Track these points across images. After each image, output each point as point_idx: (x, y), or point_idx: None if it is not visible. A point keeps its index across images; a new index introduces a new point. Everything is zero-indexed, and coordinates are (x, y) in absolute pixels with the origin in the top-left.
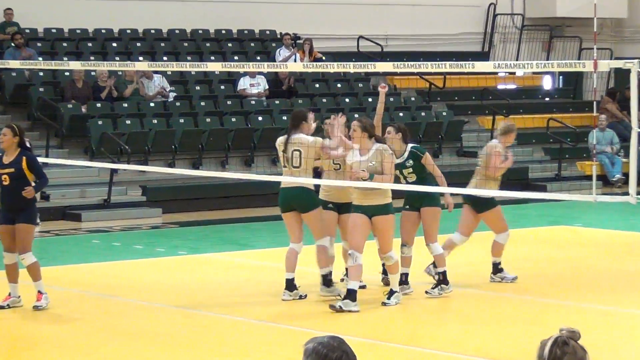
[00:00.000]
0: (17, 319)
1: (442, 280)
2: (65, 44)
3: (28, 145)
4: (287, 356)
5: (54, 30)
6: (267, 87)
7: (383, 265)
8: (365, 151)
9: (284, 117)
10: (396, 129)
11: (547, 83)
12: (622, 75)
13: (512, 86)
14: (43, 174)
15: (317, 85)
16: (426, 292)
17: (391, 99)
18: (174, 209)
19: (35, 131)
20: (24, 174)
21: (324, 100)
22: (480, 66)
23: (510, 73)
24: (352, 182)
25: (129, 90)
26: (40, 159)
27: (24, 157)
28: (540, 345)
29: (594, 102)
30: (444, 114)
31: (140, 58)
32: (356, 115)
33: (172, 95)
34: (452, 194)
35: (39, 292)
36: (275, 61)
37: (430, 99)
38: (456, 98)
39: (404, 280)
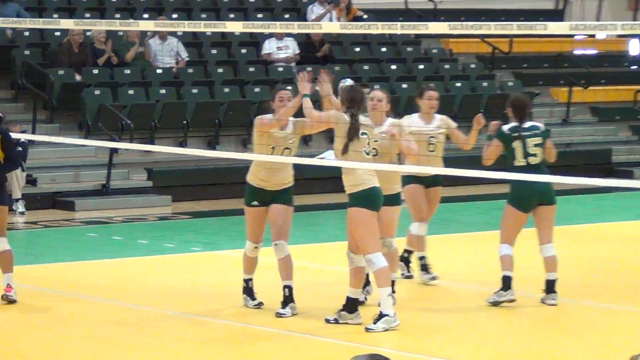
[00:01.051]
0: None
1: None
2: None
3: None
4: None
5: None
6: (297, 51)
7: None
8: (378, 125)
9: (318, 88)
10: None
11: (633, 48)
12: None
13: (591, 51)
14: (14, 157)
15: (357, 49)
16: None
17: (446, 66)
18: (186, 197)
19: (20, 102)
20: None
21: (366, 67)
22: (553, 27)
23: (590, 36)
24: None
25: (131, 53)
26: (25, 136)
27: None
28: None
29: None
30: (510, 84)
31: (145, 15)
32: (404, 86)
33: (184, 59)
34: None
35: (8, 285)
36: (307, 20)
37: (494, 67)
38: (525, 65)
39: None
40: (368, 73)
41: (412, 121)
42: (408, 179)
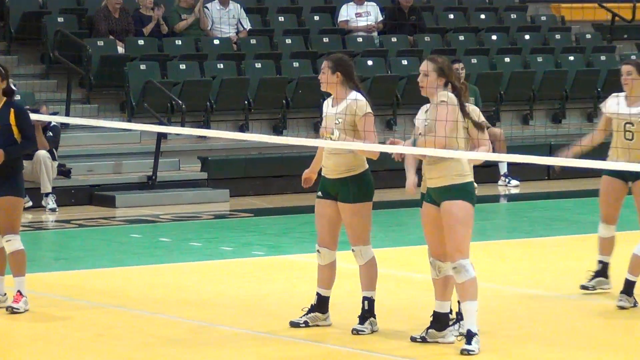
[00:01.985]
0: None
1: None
2: None
3: (13, 88)
4: None
5: None
6: (380, 18)
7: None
8: None
9: (405, 61)
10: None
11: None
12: None
13: None
14: (31, 135)
15: (450, 17)
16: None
17: (557, 36)
18: (246, 191)
19: (52, 78)
20: (11, 130)
21: (461, 37)
22: None
23: None
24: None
25: (183, 23)
26: (57, 118)
27: (12, 109)
28: None
29: None
30: (634, 57)
31: None
32: (507, 60)
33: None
34: None
35: (19, 292)
36: None
37: (614, 37)
38: None
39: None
40: (464, 45)
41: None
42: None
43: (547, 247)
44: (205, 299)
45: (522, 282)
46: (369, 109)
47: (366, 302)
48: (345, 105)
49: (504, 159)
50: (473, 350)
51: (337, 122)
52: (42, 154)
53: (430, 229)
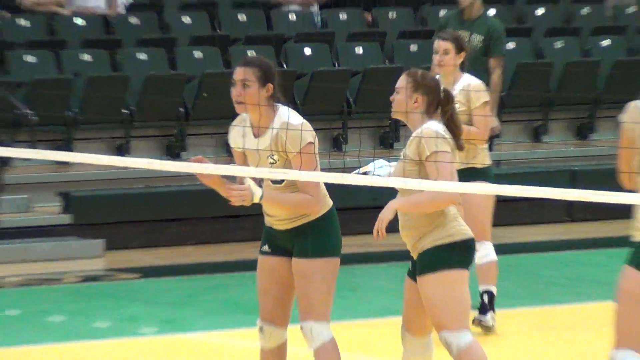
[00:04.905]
0: None
1: None
2: None
3: None
4: None
5: None
6: None
7: None
8: None
9: (359, 49)
10: None
11: None
12: None
13: None
14: None
15: None
16: None
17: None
18: (129, 242)
19: None
20: None
21: (442, 11)
22: None
23: None
24: None
25: None
26: None
27: None
28: None
29: None
30: None
31: None
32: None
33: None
34: None
35: None
36: None
37: None
38: None
39: None
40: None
41: None
42: None
43: (569, 318)
44: None
45: None
46: (310, 137)
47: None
48: (271, 135)
49: (510, 192)
50: None
51: (270, 161)
52: None
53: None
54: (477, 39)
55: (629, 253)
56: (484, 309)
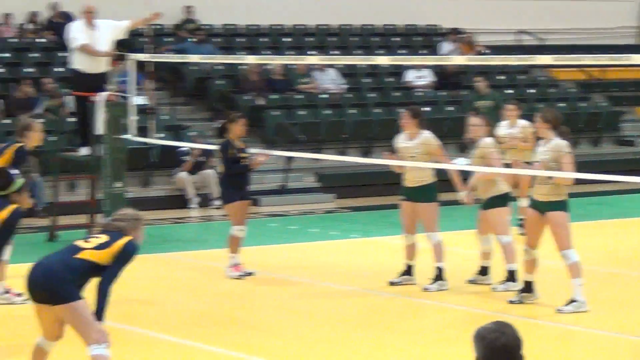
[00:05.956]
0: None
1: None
2: (241, 40)
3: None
4: (458, 336)
5: (230, 27)
6: (432, 79)
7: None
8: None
9: (450, 108)
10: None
11: None
12: None
13: None
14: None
15: (479, 78)
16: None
17: (551, 90)
18: (347, 195)
19: (215, 122)
20: None
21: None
22: (637, 58)
23: None
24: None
25: (303, 86)
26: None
27: None
28: None
29: None
30: (603, 104)
31: (312, 52)
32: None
33: (343, 87)
34: None
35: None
36: (439, 54)
37: (589, 91)
38: (615, 89)
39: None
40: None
41: None
42: None
43: None
44: (320, 267)
45: None
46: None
47: (437, 269)
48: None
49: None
50: (562, 310)
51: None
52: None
53: (530, 226)
54: None
55: None
56: None
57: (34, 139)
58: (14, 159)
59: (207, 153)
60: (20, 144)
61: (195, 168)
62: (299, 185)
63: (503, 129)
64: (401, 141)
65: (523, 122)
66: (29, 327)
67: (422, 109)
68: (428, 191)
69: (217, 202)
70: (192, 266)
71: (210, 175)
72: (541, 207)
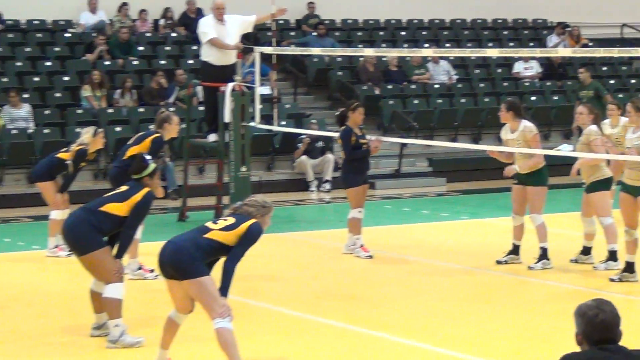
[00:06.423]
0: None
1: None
2: (359, 33)
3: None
4: (560, 310)
5: (349, 21)
6: (539, 70)
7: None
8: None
9: (555, 97)
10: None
11: None
12: None
13: None
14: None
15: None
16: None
17: None
18: (457, 179)
19: (334, 110)
20: None
21: None
22: None
23: None
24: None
25: (415, 77)
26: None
27: None
28: None
29: None
30: None
31: (426, 45)
32: (620, 96)
33: (454, 78)
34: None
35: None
36: (546, 47)
37: None
38: None
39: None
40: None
41: None
42: None
43: None
44: (432, 246)
45: None
46: (535, 130)
47: (541, 250)
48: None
49: None
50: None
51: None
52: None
53: (626, 208)
54: None
55: None
56: None
57: (171, 131)
58: (150, 148)
59: (326, 139)
60: (158, 135)
61: (316, 153)
62: (412, 169)
63: (606, 128)
64: (505, 133)
65: (624, 120)
66: (161, 301)
67: (530, 98)
68: (539, 175)
69: (327, 186)
70: (312, 245)
71: (330, 160)
72: (633, 192)
